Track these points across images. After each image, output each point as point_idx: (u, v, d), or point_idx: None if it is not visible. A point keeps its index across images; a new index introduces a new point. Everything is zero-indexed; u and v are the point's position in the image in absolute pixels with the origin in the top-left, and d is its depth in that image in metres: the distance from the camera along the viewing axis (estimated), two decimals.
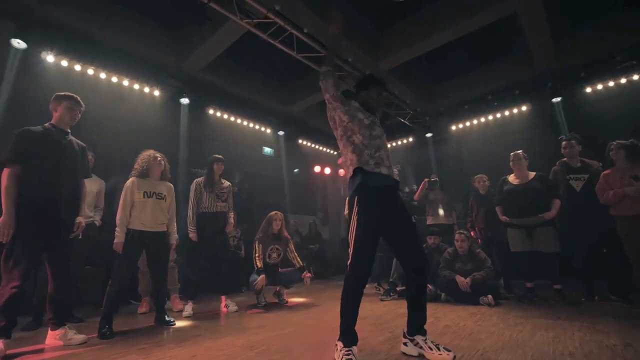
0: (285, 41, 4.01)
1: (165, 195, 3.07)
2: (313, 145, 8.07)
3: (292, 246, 3.99)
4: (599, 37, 4.61)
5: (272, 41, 3.95)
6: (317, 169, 8.42)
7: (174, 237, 3.18)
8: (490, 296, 3.41)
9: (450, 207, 4.83)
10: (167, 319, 2.93)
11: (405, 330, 1.93)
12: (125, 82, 4.83)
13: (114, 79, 4.73)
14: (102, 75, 4.62)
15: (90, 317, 3.20)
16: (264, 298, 3.80)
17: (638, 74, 4.60)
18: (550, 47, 4.54)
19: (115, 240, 2.75)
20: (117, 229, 2.78)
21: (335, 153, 8.64)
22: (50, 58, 4.09)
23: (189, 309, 3.29)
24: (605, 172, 3.31)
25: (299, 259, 3.93)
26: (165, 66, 4.99)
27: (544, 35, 4.29)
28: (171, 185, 3.21)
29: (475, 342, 2.11)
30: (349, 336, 1.79)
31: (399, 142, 7.71)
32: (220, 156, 3.73)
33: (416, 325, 1.87)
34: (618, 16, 4.46)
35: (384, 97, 2.05)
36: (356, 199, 1.86)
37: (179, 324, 2.95)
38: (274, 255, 3.88)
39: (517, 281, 4.07)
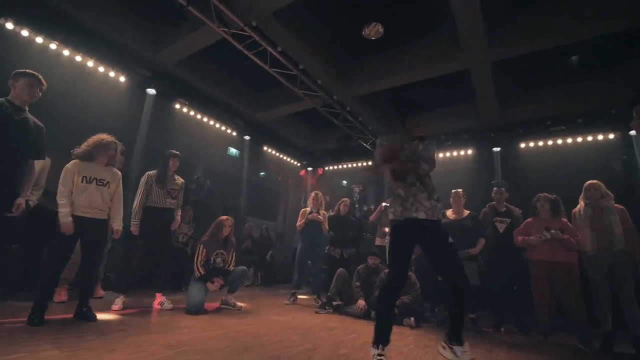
0: (259, 54, 4.18)
1: (108, 181, 2.93)
2: (277, 154, 8.20)
3: (233, 253, 4.01)
4: (537, 103, 5.35)
5: (246, 52, 4.10)
6: (281, 177, 8.57)
7: (119, 223, 3.03)
8: (412, 318, 3.70)
9: None
10: (88, 313, 2.77)
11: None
12: (90, 63, 4.69)
13: (78, 58, 4.58)
14: (65, 52, 4.46)
15: (7, 299, 3.04)
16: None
17: (563, 139, 5.38)
18: (495, 104, 5.18)
19: (61, 220, 2.62)
20: (60, 209, 2.64)
21: (298, 164, 8.83)
22: (9, 25, 3.89)
23: (119, 302, 3.22)
24: (528, 219, 3.76)
25: (232, 265, 3.94)
26: (135, 54, 4.92)
27: (490, 95, 4.90)
28: (118, 172, 3.08)
29: None
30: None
31: (362, 164, 8.11)
32: (176, 152, 3.71)
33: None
34: (555, 88, 5.20)
35: (417, 121, 2.40)
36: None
37: (105, 317, 2.89)
38: (219, 260, 3.86)
39: (442, 308, 4.43)
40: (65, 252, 2.75)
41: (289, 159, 8.57)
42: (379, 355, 2.03)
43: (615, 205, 3.39)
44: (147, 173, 3.62)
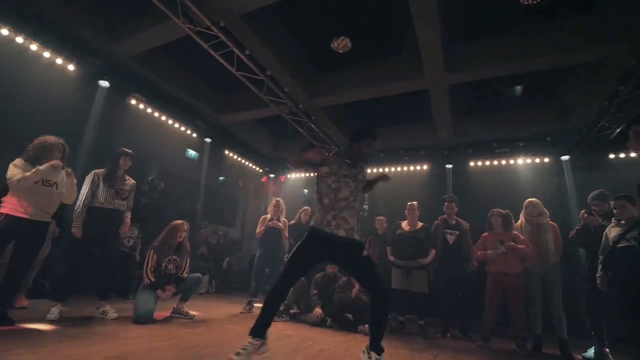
0: (225, 56, 4.09)
1: (56, 182, 2.85)
2: (239, 159, 8.03)
3: (187, 260, 3.81)
4: (486, 126, 5.90)
5: (212, 52, 4.00)
6: (241, 182, 8.37)
7: (53, 228, 2.96)
8: (367, 325, 3.78)
9: None
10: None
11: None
12: (34, 47, 4.26)
13: (19, 40, 4.14)
14: (4, 32, 4.01)
15: None
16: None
17: (506, 160, 6.06)
18: (450, 124, 5.61)
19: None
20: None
21: (260, 170, 8.72)
22: None
23: (55, 311, 2.91)
24: (484, 234, 3.98)
25: (186, 272, 3.75)
26: (87, 42, 4.55)
27: (447, 115, 5.29)
28: (69, 171, 2.96)
29: None
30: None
31: None
32: (129, 150, 3.48)
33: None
34: (502, 113, 5.79)
35: (373, 148, 2.44)
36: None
37: (39, 326, 2.60)
38: (171, 266, 3.65)
39: (393, 314, 4.60)
40: None
41: (250, 165, 8.42)
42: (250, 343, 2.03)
43: (550, 222, 3.80)
44: (93, 171, 3.36)
